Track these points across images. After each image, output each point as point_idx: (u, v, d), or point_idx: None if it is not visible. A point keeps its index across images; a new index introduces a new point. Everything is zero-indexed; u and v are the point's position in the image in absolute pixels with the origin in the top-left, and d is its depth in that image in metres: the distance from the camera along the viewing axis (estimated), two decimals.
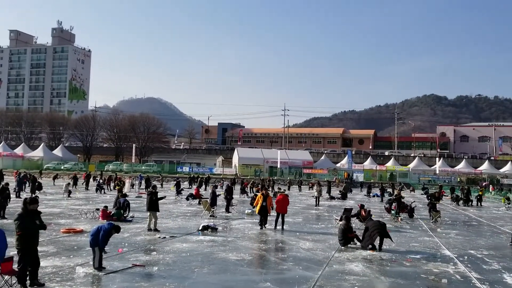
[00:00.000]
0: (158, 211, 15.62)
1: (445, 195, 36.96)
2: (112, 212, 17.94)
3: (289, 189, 45.74)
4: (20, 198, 24.46)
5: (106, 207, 18.39)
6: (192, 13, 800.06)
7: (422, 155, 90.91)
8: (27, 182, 33.84)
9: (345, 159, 73.34)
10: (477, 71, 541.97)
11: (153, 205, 15.24)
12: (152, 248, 12.26)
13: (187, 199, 27.06)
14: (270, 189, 35.17)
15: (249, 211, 21.79)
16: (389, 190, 41.48)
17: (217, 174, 63.21)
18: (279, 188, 30.64)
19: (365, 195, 41.59)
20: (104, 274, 9.18)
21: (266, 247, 13.35)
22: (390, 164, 74.99)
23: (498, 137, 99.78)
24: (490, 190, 54.28)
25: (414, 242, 15.00)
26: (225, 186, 29.60)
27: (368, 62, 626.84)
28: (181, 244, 12.97)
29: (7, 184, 20.01)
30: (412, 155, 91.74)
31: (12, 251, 8.63)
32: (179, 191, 32.55)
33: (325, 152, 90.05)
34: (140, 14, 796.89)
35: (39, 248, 8.48)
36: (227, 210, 22.07)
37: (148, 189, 16.39)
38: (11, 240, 8.49)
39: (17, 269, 7.99)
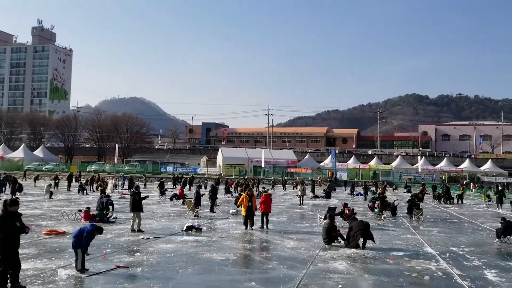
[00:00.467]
0: (142, 212, 15.49)
1: (427, 194, 37.44)
2: (95, 213, 17.75)
3: (273, 188, 45.83)
4: (0, 200, 24.02)
5: (88, 208, 18.18)
6: (176, 13, 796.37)
7: (405, 154, 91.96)
8: (8, 184, 33.26)
9: (329, 158, 73.78)
10: (458, 71, 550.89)
11: (136, 205, 15.11)
12: (136, 249, 12.16)
13: (171, 199, 26.90)
14: (255, 188, 35.14)
15: (234, 210, 21.76)
16: (372, 188, 41.88)
17: (201, 174, 63.02)
18: (264, 188, 30.68)
19: (348, 193, 41.89)
20: (87, 276, 9.07)
21: (251, 246, 13.35)
22: (373, 163, 75.69)
23: (478, 136, 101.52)
24: (471, 188, 55.19)
25: (397, 240, 15.17)
26: (209, 186, 29.51)
27: (351, 62, 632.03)
28: (165, 245, 12.89)
29: None
30: (394, 153, 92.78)
31: None
32: (162, 192, 32.34)
33: (309, 151, 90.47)
34: (123, 13, 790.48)
35: (20, 251, 8.34)
36: (212, 210, 22.01)
37: (131, 190, 16.22)
38: None
39: None
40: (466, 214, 25.97)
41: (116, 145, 75.03)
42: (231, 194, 34.66)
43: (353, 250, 12.86)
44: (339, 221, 17.98)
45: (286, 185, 48.82)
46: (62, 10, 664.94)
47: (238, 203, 17.95)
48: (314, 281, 9.31)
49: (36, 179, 45.40)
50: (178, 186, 38.54)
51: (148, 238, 13.87)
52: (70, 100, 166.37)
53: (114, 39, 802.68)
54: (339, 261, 11.33)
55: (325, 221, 14.91)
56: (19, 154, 73.44)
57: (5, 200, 8.46)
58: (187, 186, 41.20)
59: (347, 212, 18.44)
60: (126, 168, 67.91)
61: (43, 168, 65.31)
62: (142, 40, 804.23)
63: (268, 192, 18.54)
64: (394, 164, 74.62)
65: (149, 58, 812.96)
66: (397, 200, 25.98)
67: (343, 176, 63.73)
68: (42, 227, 15.53)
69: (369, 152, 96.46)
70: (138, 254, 11.54)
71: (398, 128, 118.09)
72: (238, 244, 13.62)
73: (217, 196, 23.53)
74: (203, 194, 23.11)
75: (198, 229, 15.68)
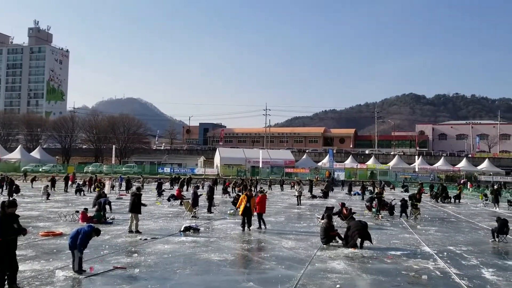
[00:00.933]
0: (140, 213, 15.50)
1: (424, 193, 37.50)
2: (93, 215, 17.72)
3: (270, 188, 45.83)
4: None
5: (86, 209, 18.16)
6: (172, 14, 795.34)
7: (402, 153, 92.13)
8: (5, 185, 33.15)
9: (326, 158, 73.84)
10: (455, 71, 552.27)
11: (135, 207, 15.11)
12: (134, 250, 12.15)
13: (169, 200, 26.88)
14: (253, 189, 35.16)
15: (231, 211, 21.74)
16: (370, 188, 41.92)
17: (199, 175, 62.94)
18: (261, 188, 30.69)
19: (346, 193, 41.91)
20: (85, 277, 9.05)
21: (249, 247, 13.35)
22: (370, 162, 75.77)
23: (475, 135, 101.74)
24: (468, 187, 55.30)
25: (395, 239, 15.20)
26: (206, 186, 29.50)
27: (348, 62, 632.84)
28: (163, 246, 12.88)
29: None
30: (392, 153, 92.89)
31: None
32: (160, 192, 32.31)
33: (307, 151, 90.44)
34: (119, 14, 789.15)
35: (17, 252, 8.32)
36: (209, 211, 22.00)
37: (132, 191, 16.14)
38: None
39: None
40: (463, 213, 26.03)
41: (113, 146, 74.94)
42: (229, 195, 34.64)
43: (351, 249, 12.87)
44: (337, 221, 18.01)
45: (284, 185, 48.82)
46: (59, 11, 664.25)
47: (237, 205, 17.75)
48: (312, 281, 9.31)
49: (33, 180, 45.26)
50: (176, 187, 38.50)
51: (146, 239, 13.85)
52: (67, 101, 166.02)
53: (110, 40, 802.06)
54: (337, 261, 11.34)
55: (322, 221, 14.91)
56: (15, 155, 73.16)
57: (3, 202, 8.42)
58: (185, 187, 41.14)
59: (345, 212, 18.46)
60: (123, 169, 67.70)
61: (40, 169, 65.08)
62: (139, 41, 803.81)
63: (264, 192, 18.53)
64: (391, 163, 74.71)
65: (146, 59, 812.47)
66: (394, 199, 26.00)
67: (341, 176, 63.76)
68: (40, 229, 15.49)
69: (367, 151, 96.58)
70: (136, 255, 11.52)
71: (395, 128, 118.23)
72: (236, 244, 13.61)
73: (213, 196, 23.52)
74: (201, 195, 23.06)
75: (196, 230, 15.68)
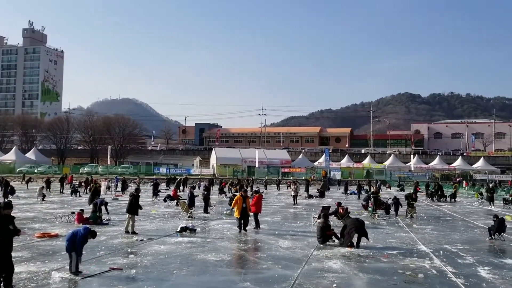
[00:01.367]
0: (137, 215, 15.47)
1: (420, 192, 37.65)
2: (88, 216, 17.67)
3: (266, 188, 45.85)
4: None
5: (82, 210, 18.09)
6: (167, 14, 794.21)
7: (397, 152, 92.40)
8: (0, 187, 33.01)
9: (323, 157, 73.91)
10: (450, 70, 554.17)
11: (132, 208, 15.08)
12: (130, 251, 12.12)
13: (165, 200, 26.83)
14: (248, 189, 35.14)
15: (228, 211, 21.72)
16: (366, 187, 41.99)
17: (195, 175, 62.89)
18: (257, 187, 30.69)
19: (342, 193, 41.98)
20: (81, 279, 9.02)
21: (245, 247, 13.35)
22: (366, 161, 75.94)
23: (470, 134, 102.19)
24: (464, 186, 55.51)
25: (391, 238, 15.23)
26: (202, 186, 29.47)
27: (344, 62, 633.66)
28: (159, 246, 12.86)
29: None
30: (387, 152, 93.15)
31: None
32: (156, 193, 32.25)
33: (303, 151, 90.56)
34: (114, 14, 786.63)
35: (13, 254, 8.27)
36: (206, 211, 21.97)
37: (130, 191, 16.07)
38: None
39: None
40: (459, 212, 26.13)
41: (109, 147, 74.77)
42: (225, 195, 34.64)
43: (347, 249, 12.89)
44: (333, 220, 18.03)
45: (280, 185, 48.87)
46: (53, 12, 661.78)
47: (232, 205, 17.46)
48: (309, 280, 9.32)
49: (28, 181, 45.09)
50: (172, 187, 38.45)
51: (142, 240, 13.82)
52: (62, 102, 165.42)
53: (105, 40, 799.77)
54: (333, 260, 11.35)
55: (319, 220, 14.93)
56: (10, 156, 72.91)
57: None
58: (181, 187, 41.10)
59: (341, 211, 18.48)
60: (119, 169, 67.58)
61: (35, 171, 64.90)
62: (134, 41, 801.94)
63: (260, 192, 18.51)
64: (387, 163, 74.89)
65: (141, 59, 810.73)
66: (390, 198, 26.06)
67: (337, 175, 63.87)
68: (35, 230, 15.44)
69: (362, 151, 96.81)
70: (132, 255, 11.49)
71: (391, 127, 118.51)
72: (232, 244, 13.60)
73: (210, 196, 23.49)
74: (197, 195, 23.03)
75: (192, 230, 15.65)
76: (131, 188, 34.60)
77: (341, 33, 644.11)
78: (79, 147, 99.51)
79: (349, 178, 62.03)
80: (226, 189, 37.29)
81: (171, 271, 9.87)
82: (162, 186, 44.56)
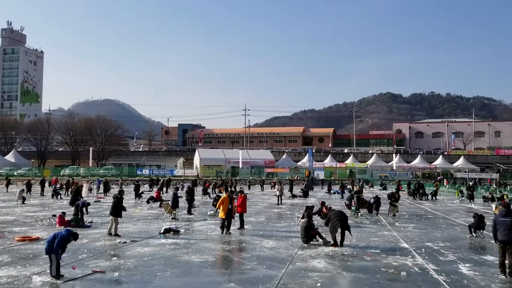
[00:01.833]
0: (120, 217, 15.31)
1: (402, 190, 38.09)
2: (70, 218, 17.43)
3: (249, 189, 45.86)
4: None
5: (63, 213, 17.82)
6: (148, 15, 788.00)
7: (380, 152, 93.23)
8: None
9: (306, 157, 74.25)
10: (430, 70, 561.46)
11: (116, 210, 14.92)
12: (113, 253, 11.99)
13: (148, 202, 26.64)
14: (233, 189, 35.10)
15: (212, 212, 21.67)
16: (349, 187, 42.31)
17: (178, 176, 62.56)
18: (241, 188, 30.66)
19: (326, 192, 42.20)
20: (63, 282, 8.89)
21: (230, 247, 13.33)
22: (349, 161, 76.50)
23: (451, 133, 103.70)
24: (445, 184, 56.33)
25: (374, 237, 15.38)
26: (186, 187, 29.32)
27: (326, 62, 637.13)
28: (143, 248, 12.75)
29: None
30: (370, 152, 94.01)
31: None
32: (139, 194, 31.97)
33: (286, 151, 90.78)
34: (94, 15, 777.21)
35: None
36: (189, 212, 21.88)
37: (114, 194, 15.85)
38: None
39: None
40: (440, 210, 26.50)
41: (91, 148, 73.92)
42: (209, 196, 34.55)
43: (331, 248, 12.98)
44: (317, 220, 18.12)
45: (264, 185, 48.92)
46: (32, 12, 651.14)
47: (217, 205, 16.97)
48: (293, 280, 9.35)
49: (8, 184, 44.27)
50: (155, 189, 38.16)
51: (125, 242, 13.69)
52: (42, 103, 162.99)
53: (86, 42, 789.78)
54: (317, 260, 11.41)
55: (303, 220, 14.99)
56: None
57: None
58: (164, 189, 40.84)
59: (325, 210, 18.56)
60: (101, 171, 66.85)
61: (15, 173, 63.82)
62: (114, 42, 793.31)
63: (245, 193, 18.50)
64: (369, 162, 75.55)
65: (123, 60, 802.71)
66: (373, 198, 26.28)
67: (320, 175, 64.20)
68: (15, 234, 15.17)
69: (345, 150, 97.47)
70: (115, 258, 11.38)
71: (373, 127, 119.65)
72: (216, 245, 13.57)
73: (195, 197, 23.41)
74: (181, 197, 22.90)
75: (176, 232, 15.57)
76: (114, 190, 34.27)
77: (323, 33, 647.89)
78: (60, 149, 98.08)
79: (332, 178, 62.41)
80: (210, 190, 37.15)
81: (155, 273, 9.79)
82: (145, 187, 44.24)
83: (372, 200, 24.31)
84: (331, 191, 41.73)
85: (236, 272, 10.22)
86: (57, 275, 9.13)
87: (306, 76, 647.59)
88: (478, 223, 15.52)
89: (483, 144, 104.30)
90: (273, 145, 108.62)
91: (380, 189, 47.50)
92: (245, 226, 16.90)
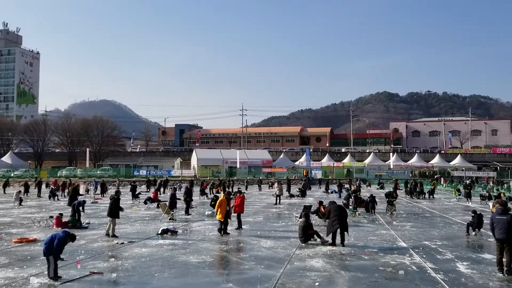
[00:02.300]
0: (118, 218, 15.27)
1: (399, 189, 38.16)
2: (67, 220, 17.38)
3: (246, 189, 45.85)
4: None
5: (61, 214, 17.77)
6: (143, 16, 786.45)
7: (377, 151, 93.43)
8: None
9: (303, 157, 74.33)
10: (427, 69, 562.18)
11: (113, 211, 14.87)
12: (110, 254, 11.96)
13: (145, 203, 26.60)
14: (231, 190, 35.10)
15: (209, 212, 21.65)
16: (347, 186, 42.36)
17: (176, 176, 62.52)
18: (239, 188, 30.65)
19: (323, 191, 42.23)
20: (60, 284, 8.86)
21: (228, 248, 13.31)
22: (346, 160, 76.64)
23: (447, 132, 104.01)
24: (442, 183, 56.47)
25: (372, 236, 15.39)
26: (183, 188, 29.32)
27: (323, 62, 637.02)
28: (140, 249, 12.72)
29: None
30: (367, 151, 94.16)
31: None
32: (136, 195, 31.93)
33: (284, 150, 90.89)
34: (90, 16, 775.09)
35: None
36: (187, 213, 21.86)
37: (111, 195, 15.77)
38: None
39: None
40: (437, 209, 26.56)
41: (87, 149, 73.81)
42: (207, 196, 34.53)
43: (329, 247, 12.98)
44: (315, 219, 18.13)
45: (261, 185, 48.93)
46: (28, 13, 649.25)
47: (215, 207, 16.56)
48: (291, 279, 9.34)
49: (5, 185, 44.15)
50: (152, 189, 38.13)
51: (123, 243, 13.66)
52: (38, 104, 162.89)
53: (82, 42, 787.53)
54: (315, 259, 11.41)
55: (301, 219, 14.99)
56: None
57: None
58: (162, 189, 40.80)
59: (323, 210, 18.58)
60: (98, 172, 66.71)
61: (12, 175, 63.63)
62: (111, 43, 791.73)
63: (243, 192, 18.49)
64: (367, 161, 75.71)
65: (119, 61, 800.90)
66: (368, 197, 26.32)
67: (318, 174, 64.26)
68: (13, 235, 15.12)
69: (343, 150, 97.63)
70: (113, 259, 11.35)
71: (370, 126, 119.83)
72: (214, 246, 13.55)
73: (192, 198, 23.39)
74: (179, 199, 22.86)
75: (174, 232, 15.54)
76: (111, 191, 34.20)
77: (320, 33, 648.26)
78: (57, 150, 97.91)
79: (329, 177, 62.48)
80: (207, 190, 37.12)
81: (153, 274, 9.77)
82: (143, 188, 44.18)
83: (368, 200, 24.37)
84: (329, 191, 41.75)
85: (234, 272, 10.21)
86: (55, 276, 9.10)
87: (303, 75, 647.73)
88: (479, 221, 15.53)
89: (480, 143, 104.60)
90: (271, 145, 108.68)
91: (378, 188, 47.56)
92: (243, 226, 16.90)
